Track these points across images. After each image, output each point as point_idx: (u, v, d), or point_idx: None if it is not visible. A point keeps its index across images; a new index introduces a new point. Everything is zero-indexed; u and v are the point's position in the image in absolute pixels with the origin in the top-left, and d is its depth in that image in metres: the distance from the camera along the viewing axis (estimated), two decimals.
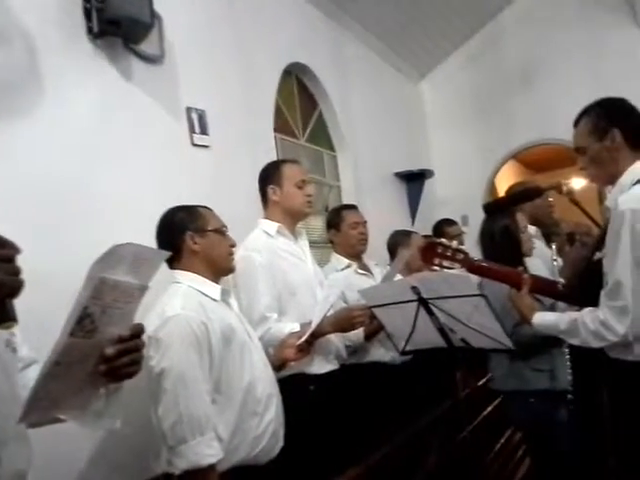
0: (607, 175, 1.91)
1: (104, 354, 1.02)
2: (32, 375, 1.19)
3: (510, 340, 2.22)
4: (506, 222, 2.56)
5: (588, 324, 1.81)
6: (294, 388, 2.25)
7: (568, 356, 2.44)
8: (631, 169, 1.84)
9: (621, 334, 1.73)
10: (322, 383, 2.38)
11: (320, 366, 2.40)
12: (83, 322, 0.94)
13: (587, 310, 1.85)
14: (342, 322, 2.37)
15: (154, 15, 2.58)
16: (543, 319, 2.00)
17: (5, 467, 1.03)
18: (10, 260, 0.89)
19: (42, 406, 0.99)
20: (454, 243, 2.06)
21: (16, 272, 0.89)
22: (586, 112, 1.94)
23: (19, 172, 2.12)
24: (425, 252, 2.06)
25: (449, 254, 2.02)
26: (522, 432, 2.77)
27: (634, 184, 1.79)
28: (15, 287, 0.89)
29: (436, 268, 2.03)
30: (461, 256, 2.03)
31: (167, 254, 1.11)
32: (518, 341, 2.30)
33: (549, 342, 2.31)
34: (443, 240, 2.07)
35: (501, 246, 2.51)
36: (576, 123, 1.97)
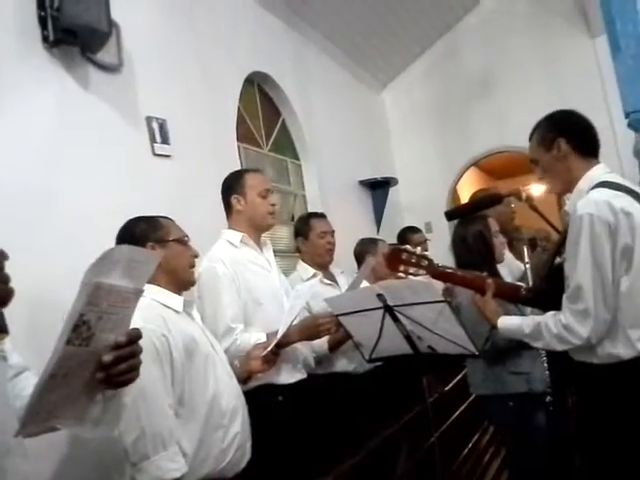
0: (562, 183, 1.97)
1: (101, 361, 0.98)
2: (23, 383, 1.18)
3: (487, 344, 2.25)
4: (479, 227, 2.60)
5: (551, 327, 1.84)
6: (262, 399, 2.23)
7: (545, 358, 2.47)
8: (588, 174, 1.90)
9: (584, 337, 1.76)
10: (290, 393, 2.36)
11: (288, 376, 2.38)
12: (79, 330, 0.91)
13: (550, 314, 1.87)
14: (308, 330, 2.36)
15: (111, 23, 2.54)
16: (507, 323, 2.03)
17: (10, 477, 1.02)
18: None
19: (39, 418, 0.96)
20: (418, 250, 2.07)
21: (5, 280, 0.87)
22: (537, 126, 2.02)
23: None
24: (390, 259, 2.07)
25: (414, 261, 2.04)
26: (501, 435, 2.79)
27: (591, 189, 1.84)
28: (5, 296, 0.86)
29: (401, 275, 2.04)
30: (425, 262, 2.05)
31: (160, 255, 1.08)
32: (495, 345, 2.32)
33: (526, 345, 2.34)
34: (407, 247, 2.09)
35: (474, 250, 2.55)
36: (530, 137, 2.04)
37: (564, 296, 1.82)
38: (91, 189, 2.54)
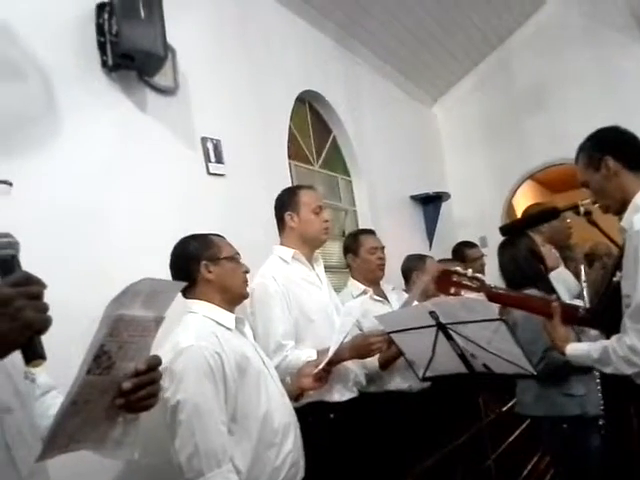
0: (616, 202, 1.90)
1: (121, 388, 1.02)
2: (49, 402, 1.22)
3: (540, 365, 2.18)
4: (528, 243, 2.55)
5: (617, 351, 1.76)
6: (314, 416, 2.22)
7: (599, 380, 2.38)
8: None
9: None
10: (342, 411, 2.34)
11: (340, 394, 2.37)
12: (100, 359, 0.95)
13: (616, 337, 1.79)
14: (359, 348, 2.34)
15: (167, 48, 2.61)
16: (576, 349, 1.95)
17: None
18: (38, 297, 0.89)
19: (60, 444, 0.99)
20: (469, 271, 2.02)
21: (45, 309, 0.89)
22: (581, 148, 1.98)
23: (36, 204, 2.13)
24: (440, 281, 2.03)
25: (465, 282, 1.99)
26: (554, 458, 2.70)
27: None
28: (44, 325, 0.88)
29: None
30: (477, 284, 1.99)
31: (182, 285, 1.12)
32: (549, 366, 2.25)
33: (581, 367, 2.26)
34: (458, 268, 2.05)
35: (527, 269, 2.49)
36: (576, 160, 2.00)
37: (625, 316, 1.74)
38: (148, 208, 2.60)
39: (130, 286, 0.96)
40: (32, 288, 0.88)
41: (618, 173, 1.86)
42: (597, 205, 2.00)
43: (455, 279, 2.00)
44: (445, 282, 2.01)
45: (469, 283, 2.00)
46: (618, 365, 1.77)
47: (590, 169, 1.92)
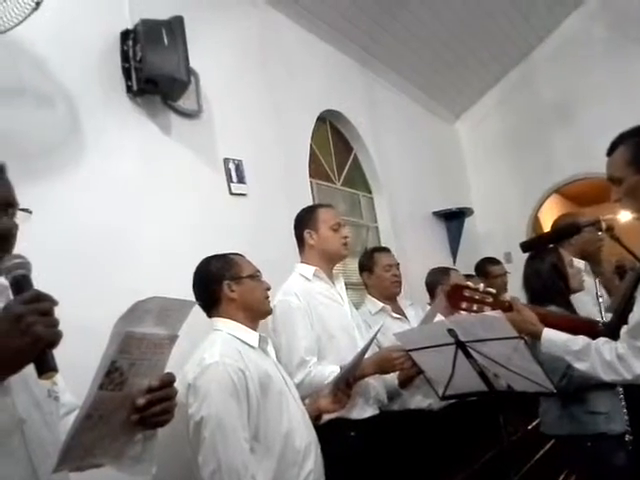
0: None
1: (135, 404, 1.05)
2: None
3: (562, 381, 2.15)
4: (553, 260, 2.52)
5: (603, 353, 1.74)
6: (334, 434, 2.21)
7: (622, 396, 2.34)
8: None
9: (636, 373, 1.67)
10: (363, 429, 2.33)
11: (361, 410, 2.37)
12: (112, 376, 0.97)
13: (603, 339, 1.78)
14: (383, 363, 2.35)
15: (190, 72, 2.69)
16: (553, 335, 1.89)
17: None
18: (49, 313, 0.93)
19: (76, 456, 1.01)
20: (481, 286, 2.00)
21: (55, 324, 0.93)
22: (623, 140, 1.82)
23: (62, 226, 2.20)
24: (451, 296, 2.01)
25: (477, 297, 1.98)
26: (580, 477, 2.65)
27: None
28: (54, 339, 0.93)
29: (463, 313, 1.98)
30: (490, 299, 1.98)
31: (194, 303, 1.14)
32: (572, 382, 2.23)
33: (604, 384, 2.23)
34: (469, 283, 2.02)
35: (549, 285, 2.47)
36: (611, 151, 1.85)
37: (626, 328, 1.72)
38: (172, 228, 2.66)
39: (138, 303, 0.99)
40: (42, 305, 0.93)
41: None
42: (620, 204, 1.83)
43: (467, 294, 1.98)
44: (457, 297, 1.99)
45: (481, 298, 1.98)
46: (596, 366, 1.75)
47: (631, 168, 1.76)
